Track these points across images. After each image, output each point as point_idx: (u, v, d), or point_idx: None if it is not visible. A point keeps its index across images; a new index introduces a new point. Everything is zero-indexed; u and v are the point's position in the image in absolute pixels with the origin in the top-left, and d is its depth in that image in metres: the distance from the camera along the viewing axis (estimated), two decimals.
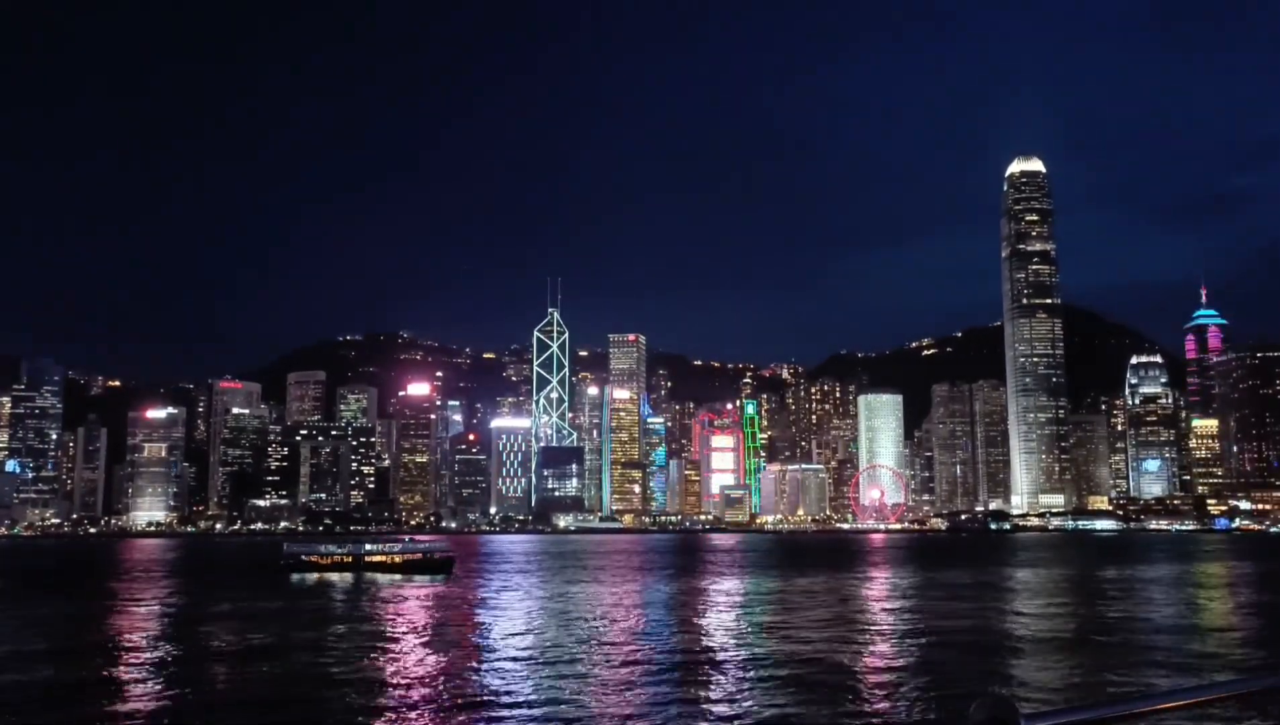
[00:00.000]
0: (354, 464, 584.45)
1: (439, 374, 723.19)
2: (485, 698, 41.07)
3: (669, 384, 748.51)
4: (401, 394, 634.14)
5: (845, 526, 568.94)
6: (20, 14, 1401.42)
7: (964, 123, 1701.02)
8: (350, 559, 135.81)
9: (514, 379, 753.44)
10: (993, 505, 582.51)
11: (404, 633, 64.74)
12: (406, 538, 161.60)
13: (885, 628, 67.27)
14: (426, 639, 61.68)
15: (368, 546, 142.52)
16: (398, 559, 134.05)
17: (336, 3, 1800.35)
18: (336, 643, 59.91)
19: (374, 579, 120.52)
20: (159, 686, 44.92)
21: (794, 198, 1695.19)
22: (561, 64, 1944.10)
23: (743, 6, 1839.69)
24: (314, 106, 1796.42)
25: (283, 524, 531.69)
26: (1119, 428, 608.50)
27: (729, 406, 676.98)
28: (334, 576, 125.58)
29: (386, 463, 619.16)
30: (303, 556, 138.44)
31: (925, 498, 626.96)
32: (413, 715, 37.93)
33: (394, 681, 45.19)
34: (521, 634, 63.45)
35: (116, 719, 37.91)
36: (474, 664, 51.34)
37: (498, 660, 52.05)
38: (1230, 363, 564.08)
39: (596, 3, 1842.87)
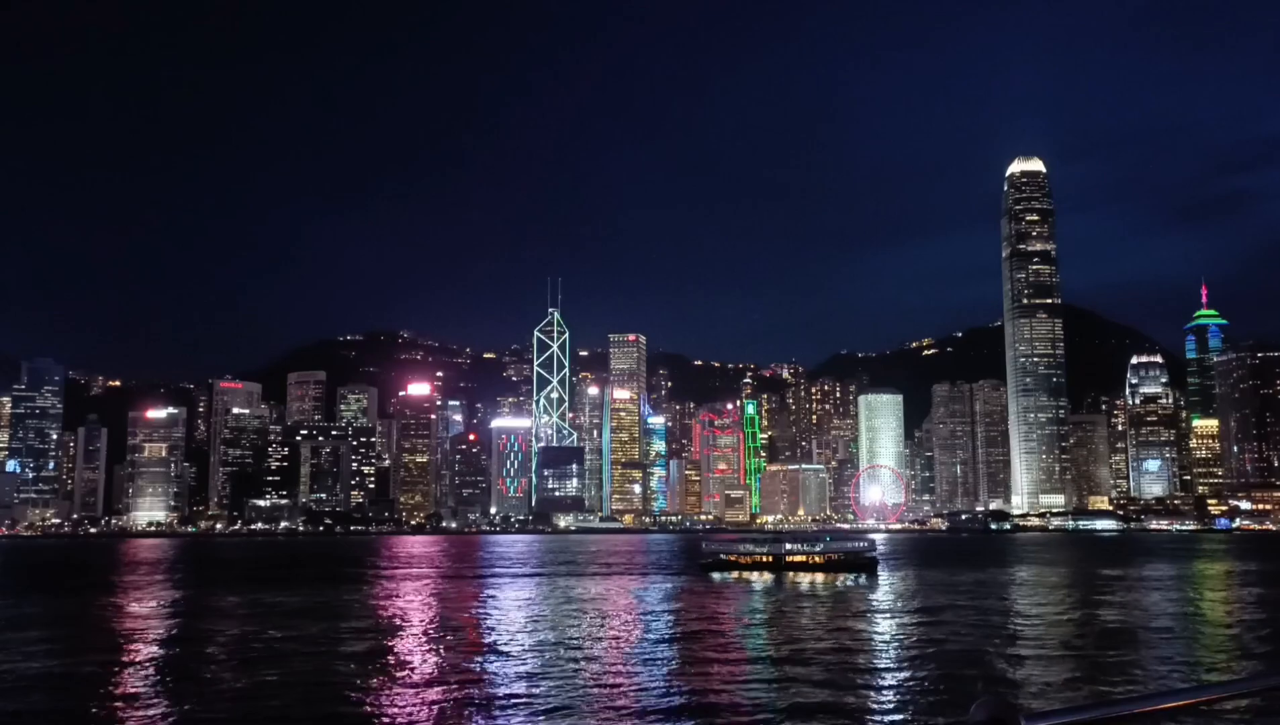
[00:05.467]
0: (354, 464, 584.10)
1: (439, 374, 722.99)
2: None
3: (669, 384, 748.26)
4: (401, 394, 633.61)
5: (845, 527, 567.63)
6: (26, 17, 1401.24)
7: (964, 123, 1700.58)
8: (770, 558, 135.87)
9: (514, 379, 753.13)
10: (993, 505, 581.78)
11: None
12: (826, 537, 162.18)
13: (886, 627, 67.11)
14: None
15: (788, 546, 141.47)
16: (819, 558, 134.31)
17: (338, 7, 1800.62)
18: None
19: (796, 579, 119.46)
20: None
21: (794, 198, 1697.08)
22: (561, 66, 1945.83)
23: (741, 9, 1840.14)
24: (315, 107, 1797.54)
25: (283, 524, 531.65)
26: (1119, 428, 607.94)
27: (729, 406, 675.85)
28: (753, 575, 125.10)
29: (386, 463, 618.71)
30: (722, 555, 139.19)
31: (925, 498, 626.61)
32: None
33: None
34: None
35: None
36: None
37: None
38: (1230, 363, 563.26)
39: (595, 6, 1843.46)
